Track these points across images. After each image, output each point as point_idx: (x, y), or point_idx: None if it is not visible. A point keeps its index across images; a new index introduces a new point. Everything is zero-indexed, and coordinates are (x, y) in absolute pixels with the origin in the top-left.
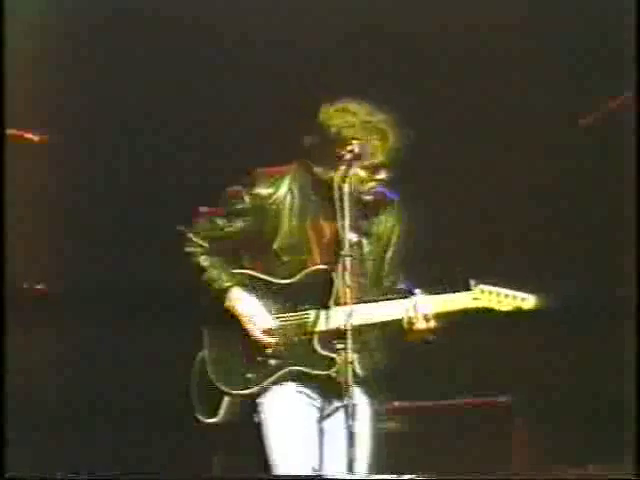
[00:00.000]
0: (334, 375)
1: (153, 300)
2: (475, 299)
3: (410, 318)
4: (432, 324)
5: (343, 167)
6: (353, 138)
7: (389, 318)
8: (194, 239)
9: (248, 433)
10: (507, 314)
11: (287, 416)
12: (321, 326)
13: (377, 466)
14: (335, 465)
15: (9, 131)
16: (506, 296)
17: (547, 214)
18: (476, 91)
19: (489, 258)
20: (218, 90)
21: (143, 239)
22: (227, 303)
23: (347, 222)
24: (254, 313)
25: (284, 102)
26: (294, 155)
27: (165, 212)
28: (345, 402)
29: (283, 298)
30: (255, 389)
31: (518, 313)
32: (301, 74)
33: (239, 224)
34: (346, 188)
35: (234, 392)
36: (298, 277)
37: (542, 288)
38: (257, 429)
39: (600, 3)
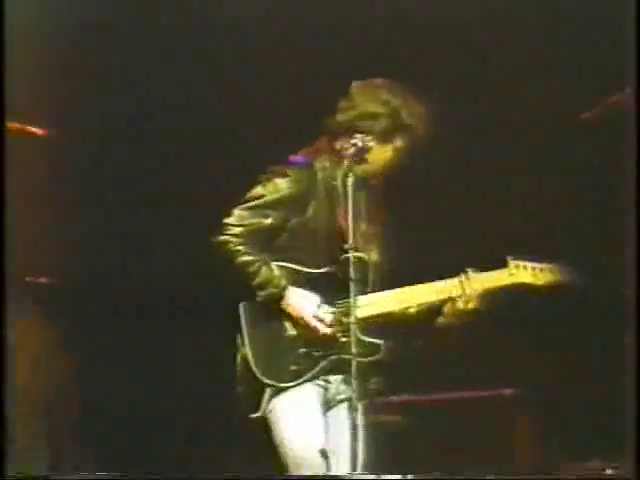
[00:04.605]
0: (376, 361)
1: (155, 297)
2: (511, 275)
3: (459, 297)
4: (472, 305)
5: (347, 161)
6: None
7: (434, 299)
8: (232, 229)
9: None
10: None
11: (304, 410)
12: (363, 312)
13: (376, 462)
14: (338, 458)
15: (11, 125)
16: (541, 270)
17: (546, 210)
18: (476, 87)
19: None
20: (220, 87)
21: (154, 233)
22: (284, 302)
23: (351, 215)
24: (307, 306)
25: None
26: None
27: (168, 206)
28: (351, 394)
29: (319, 288)
30: (300, 380)
31: (520, 305)
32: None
33: (278, 213)
34: (350, 182)
35: (280, 385)
36: (333, 266)
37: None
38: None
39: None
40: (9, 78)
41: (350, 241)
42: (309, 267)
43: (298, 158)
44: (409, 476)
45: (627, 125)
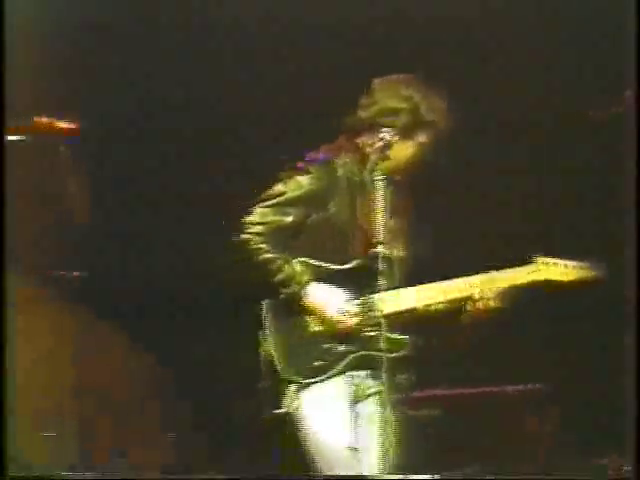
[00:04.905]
0: (403, 357)
1: (176, 296)
2: (537, 272)
3: (479, 296)
4: (493, 304)
5: (373, 156)
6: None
7: (456, 297)
8: (253, 227)
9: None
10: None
11: (332, 406)
12: (388, 308)
13: (405, 456)
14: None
15: (38, 119)
16: (569, 267)
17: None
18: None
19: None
20: (239, 84)
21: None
22: (306, 299)
23: (380, 209)
24: (331, 302)
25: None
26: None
27: (187, 204)
28: (380, 389)
29: (342, 283)
30: (324, 377)
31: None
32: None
33: (300, 210)
34: (377, 176)
35: (304, 381)
36: (357, 262)
37: None
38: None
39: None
40: (9, 78)
41: (379, 236)
42: (331, 263)
43: (318, 155)
44: (427, 476)
45: (627, 125)
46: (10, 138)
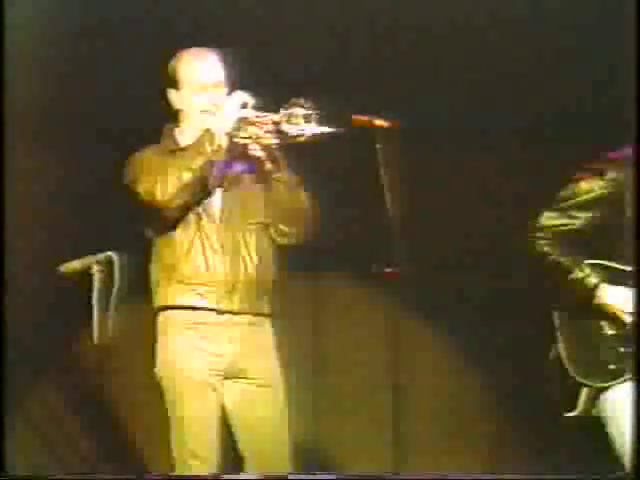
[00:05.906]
0: None
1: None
2: None
3: None
4: None
5: None
6: None
7: None
8: (541, 231)
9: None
10: None
11: (631, 412)
12: None
13: None
14: None
15: (356, 117)
16: None
17: None
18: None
19: None
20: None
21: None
22: (597, 300)
23: None
24: (625, 304)
25: None
26: None
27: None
28: None
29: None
30: (621, 380)
31: None
32: None
33: (590, 214)
34: None
35: (598, 385)
36: None
37: None
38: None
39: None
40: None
41: None
42: (625, 264)
43: (619, 154)
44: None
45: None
46: (329, 130)
